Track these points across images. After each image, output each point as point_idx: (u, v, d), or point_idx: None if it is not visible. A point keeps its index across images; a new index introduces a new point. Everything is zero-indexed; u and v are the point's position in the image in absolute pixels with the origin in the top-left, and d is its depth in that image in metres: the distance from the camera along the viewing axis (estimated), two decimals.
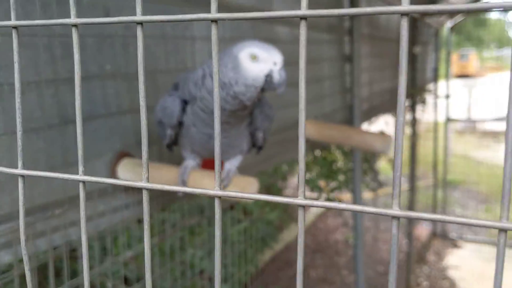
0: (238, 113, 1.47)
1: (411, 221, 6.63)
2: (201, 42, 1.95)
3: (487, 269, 6.84)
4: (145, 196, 0.58)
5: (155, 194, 1.79)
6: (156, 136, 1.71)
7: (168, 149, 1.67)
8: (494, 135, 13.78)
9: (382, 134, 2.62)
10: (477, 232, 8.27)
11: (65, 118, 1.45)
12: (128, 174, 1.58)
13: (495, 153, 12.24)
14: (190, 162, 1.57)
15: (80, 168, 0.63)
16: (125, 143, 1.66)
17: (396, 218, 0.53)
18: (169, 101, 1.50)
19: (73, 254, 2.43)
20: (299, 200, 0.54)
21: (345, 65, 3.49)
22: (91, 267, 2.58)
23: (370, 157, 5.51)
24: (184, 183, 1.51)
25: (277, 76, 1.38)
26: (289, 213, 5.66)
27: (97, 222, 1.61)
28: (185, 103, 1.50)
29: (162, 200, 1.87)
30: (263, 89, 1.41)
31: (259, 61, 1.39)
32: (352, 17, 3.35)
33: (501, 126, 14.37)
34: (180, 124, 1.53)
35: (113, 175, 1.60)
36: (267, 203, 3.42)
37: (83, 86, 1.50)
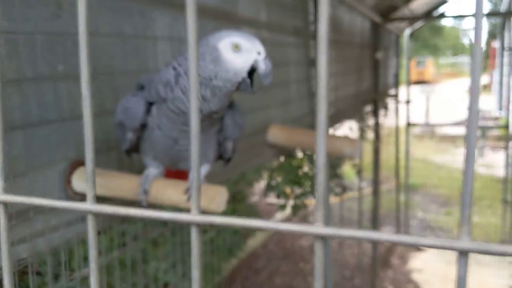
0: (213, 116, 1.36)
1: (376, 225, 6.67)
2: (164, 42, 1.83)
3: (450, 271, 6.96)
4: (90, 223, 0.44)
5: (114, 204, 1.66)
6: (115, 142, 1.58)
7: (127, 155, 1.55)
8: (452, 139, 14.16)
9: (350, 138, 2.57)
10: (439, 235, 8.41)
11: (12, 123, 1.31)
12: (84, 185, 1.44)
13: (454, 157, 12.56)
14: (153, 170, 1.46)
15: (0, 184, 0.47)
16: (80, 151, 1.52)
17: (465, 253, 0.38)
18: (132, 101, 1.37)
19: (25, 269, 2.26)
20: (319, 229, 0.39)
21: (311, 70, 3.44)
22: (45, 284, 2.40)
23: (334, 162, 5.51)
24: (145, 193, 1.40)
25: (263, 66, 1.27)
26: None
27: (49, 237, 1.47)
28: (150, 104, 1.38)
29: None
30: (239, 87, 1.30)
31: (242, 51, 1.27)
32: (317, 20, 3.31)
33: (459, 131, 14.81)
34: (143, 127, 1.41)
35: (67, 185, 1.46)
36: (233, 211, 3.31)
37: (32, 88, 1.36)
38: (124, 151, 1.52)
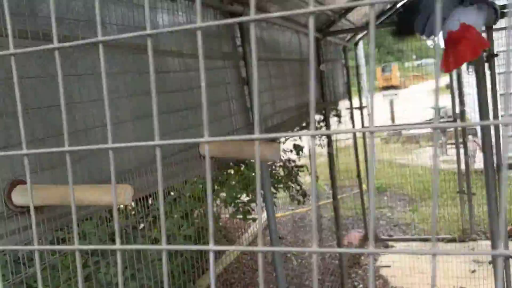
0: None
1: (338, 229, 7.00)
2: (87, 78, 2.18)
3: (416, 264, 7.32)
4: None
5: (52, 216, 1.97)
6: (45, 162, 1.91)
7: None
8: (415, 139, 14.72)
9: (269, 143, 2.92)
10: (406, 232, 8.81)
11: None
12: (23, 199, 1.77)
13: (417, 156, 13.05)
14: None
15: None
16: (16, 173, 1.85)
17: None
18: None
19: None
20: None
21: (244, 87, 3.82)
22: None
23: (290, 170, 5.84)
24: None
25: None
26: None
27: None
28: None
29: (60, 221, 2.03)
30: None
31: None
32: (244, 44, 3.70)
33: (423, 131, 15.37)
34: None
35: (9, 201, 1.79)
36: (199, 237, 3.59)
37: None
38: None
